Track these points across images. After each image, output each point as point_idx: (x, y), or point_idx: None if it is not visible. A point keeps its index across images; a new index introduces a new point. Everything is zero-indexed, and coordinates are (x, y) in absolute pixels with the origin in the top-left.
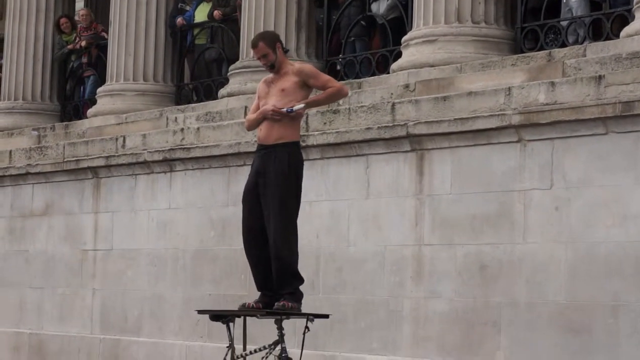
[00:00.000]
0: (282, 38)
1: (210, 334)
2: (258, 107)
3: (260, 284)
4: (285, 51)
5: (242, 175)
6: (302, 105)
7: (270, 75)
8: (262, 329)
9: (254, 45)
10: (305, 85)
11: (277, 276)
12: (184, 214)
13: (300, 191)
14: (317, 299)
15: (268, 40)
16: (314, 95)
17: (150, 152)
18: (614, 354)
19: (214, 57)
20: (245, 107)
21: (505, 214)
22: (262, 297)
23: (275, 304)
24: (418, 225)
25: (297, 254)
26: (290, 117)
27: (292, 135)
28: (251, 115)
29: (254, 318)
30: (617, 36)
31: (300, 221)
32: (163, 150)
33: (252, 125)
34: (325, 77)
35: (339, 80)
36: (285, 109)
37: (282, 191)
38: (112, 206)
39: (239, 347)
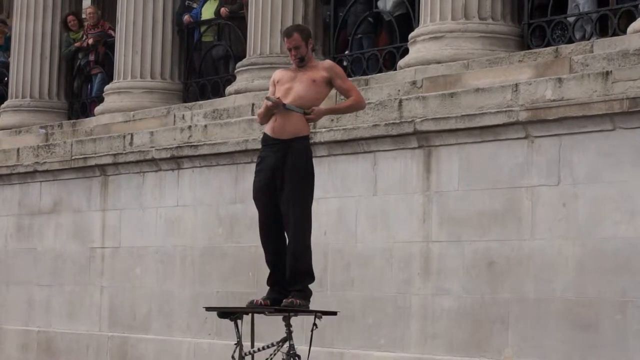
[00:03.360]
0: None
1: (219, 331)
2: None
3: (274, 280)
4: (313, 50)
5: (249, 173)
6: (300, 111)
7: (293, 66)
8: (270, 326)
9: (289, 34)
10: (330, 82)
11: (290, 271)
12: (191, 212)
13: (314, 186)
14: (325, 296)
15: (303, 33)
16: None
17: (157, 149)
18: (622, 350)
19: (221, 54)
20: (253, 105)
21: (513, 210)
22: (270, 293)
23: (284, 301)
24: (426, 222)
25: (311, 251)
26: (287, 110)
27: (306, 129)
28: (260, 111)
29: (262, 315)
30: (624, 32)
31: None
32: (171, 148)
33: (263, 120)
34: (351, 83)
35: None
36: (285, 104)
37: (301, 186)
38: (120, 204)
39: (247, 344)
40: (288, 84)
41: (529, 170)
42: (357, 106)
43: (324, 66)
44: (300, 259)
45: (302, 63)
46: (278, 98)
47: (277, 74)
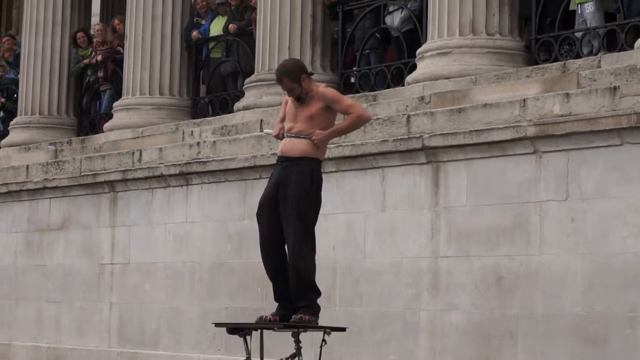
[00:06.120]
0: (297, 51)
1: (228, 347)
2: (283, 118)
3: (279, 296)
4: (311, 74)
5: (258, 189)
6: (270, 132)
7: None
8: (279, 342)
9: (279, 80)
10: (329, 108)
11: (294, 289)
12: (200, 228)
13: (320, 205)
14: (334, 312)
15: (292, 75)
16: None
17: (166, 165)
18: None
19: (230, 70)
20: (261, 121)
21: (521, 225)
22: (279, 309)
23: (293, 316)
24: (434, 238)
25: (314, 267)
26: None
27: (316, 152)
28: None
29: (271, 331)
30: (632, 47)
31: (317, 234)
32: (179, 164)
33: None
34: (348, 102)
35: (353, 94)
36: (284, 135)
37: (301, 203)
38: (129, 220)
39: None
40: (291, 123)
41: (537, 186)
42: (358, 122)
43: (318, 95)
44: (301, 276)
45: (300, 100)
46: (279, 132)
47: (288, 103)
